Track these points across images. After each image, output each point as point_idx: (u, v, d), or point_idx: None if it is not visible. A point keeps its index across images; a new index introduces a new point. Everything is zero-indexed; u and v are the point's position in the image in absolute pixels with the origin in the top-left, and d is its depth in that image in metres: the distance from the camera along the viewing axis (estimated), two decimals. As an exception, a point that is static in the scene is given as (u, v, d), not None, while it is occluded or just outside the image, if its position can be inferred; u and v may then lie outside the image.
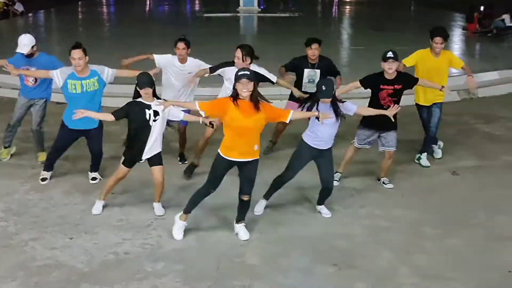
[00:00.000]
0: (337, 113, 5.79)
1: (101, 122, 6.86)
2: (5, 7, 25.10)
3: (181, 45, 7.16)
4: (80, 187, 6.93)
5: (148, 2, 35.16)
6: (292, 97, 7.59)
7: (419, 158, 7.71)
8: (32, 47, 7.34)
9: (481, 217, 6.26)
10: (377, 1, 31.19)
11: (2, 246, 5.55)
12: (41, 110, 7.65)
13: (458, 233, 5.89)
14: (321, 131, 5.84)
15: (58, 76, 6.71)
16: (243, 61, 6.68)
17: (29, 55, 7.37)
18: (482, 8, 19.41)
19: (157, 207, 6.27)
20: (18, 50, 7.34)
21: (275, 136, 8.08)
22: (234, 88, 5.36)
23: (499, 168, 7.65)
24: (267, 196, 6.28)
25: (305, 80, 7.59)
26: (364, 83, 6.74)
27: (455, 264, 5.31)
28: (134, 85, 5.92)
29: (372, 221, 6.15)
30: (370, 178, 7.16)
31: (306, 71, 7.58)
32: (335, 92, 5.84)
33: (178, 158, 7.81)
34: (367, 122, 6.72)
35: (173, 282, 4.99)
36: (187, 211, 5.72)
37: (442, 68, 7.50)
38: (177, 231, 5.74)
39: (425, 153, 7.71)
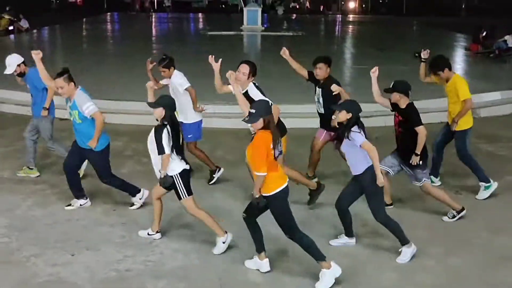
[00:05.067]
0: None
1: None
2: (11, 24, 25.31)
3: None
4: (82, 204, 6.92)
5: (151, 20, 35.37)
6: (323, 124, 7.20)
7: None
8: (19, 65, 7.28)
9: (483, 237, 6.24)
10: (380, 21, 31.38)
11: (4, 262, 5.54)
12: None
13: (460, 252, 5.87)
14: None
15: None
16: (248, 78, 6.40)
17: (21, 74, 7.32)
18: (483, 30, 19.54)
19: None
20: (5, 72, 7.29)
21: (312, 169, 7.49)
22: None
23: (501, 188, 7.62)
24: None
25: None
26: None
27: (457, 283, 5.28)
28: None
29: (374, 240, 6.13)
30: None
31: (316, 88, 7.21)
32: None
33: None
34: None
35: (175, 300, 4.97)
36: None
37: None
38: (266, 264, 5.49)
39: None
